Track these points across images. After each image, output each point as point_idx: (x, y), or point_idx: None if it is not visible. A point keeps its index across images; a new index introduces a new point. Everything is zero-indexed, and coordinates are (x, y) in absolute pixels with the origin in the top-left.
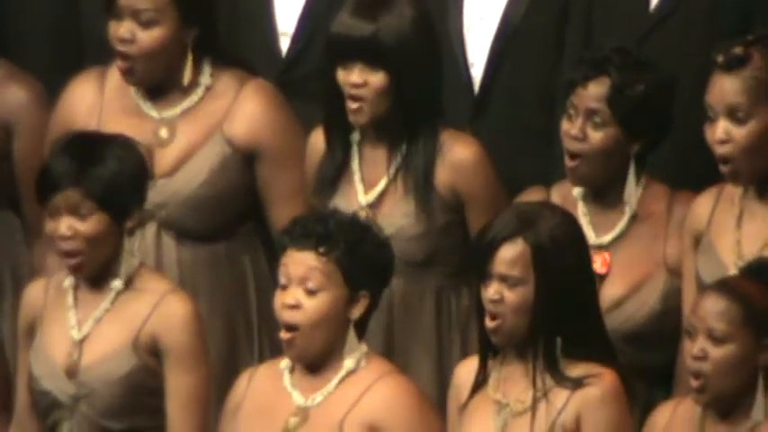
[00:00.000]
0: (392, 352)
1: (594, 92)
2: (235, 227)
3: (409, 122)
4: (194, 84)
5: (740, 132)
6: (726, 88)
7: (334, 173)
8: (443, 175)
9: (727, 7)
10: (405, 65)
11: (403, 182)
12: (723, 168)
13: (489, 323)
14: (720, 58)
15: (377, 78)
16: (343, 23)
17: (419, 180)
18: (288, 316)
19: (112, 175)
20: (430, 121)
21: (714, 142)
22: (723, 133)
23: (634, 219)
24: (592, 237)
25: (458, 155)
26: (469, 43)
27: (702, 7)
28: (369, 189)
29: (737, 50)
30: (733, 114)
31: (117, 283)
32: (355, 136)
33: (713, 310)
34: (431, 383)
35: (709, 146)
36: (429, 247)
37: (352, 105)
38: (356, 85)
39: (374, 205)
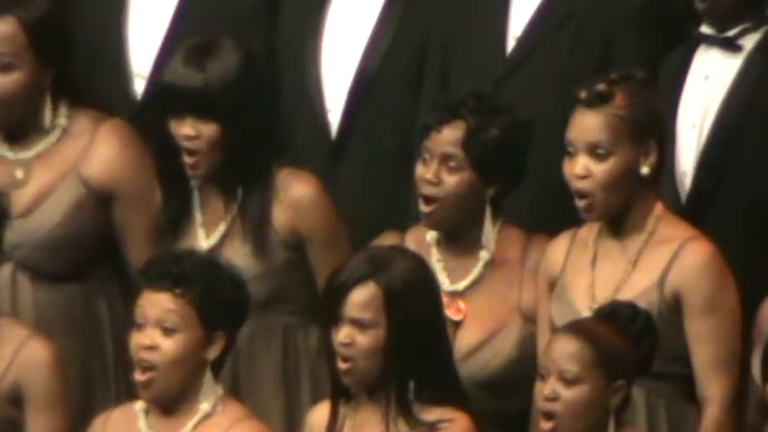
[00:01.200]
0: (239, 394)
1: (449, 136)
2: (91, 268)
3: (243, 168)
4: (51, 126)
5: (599, 168)
6: (587, 124)
7: (171, 220)
8: (282, 214)
9: (584, 52)
10: (235, 114)
11: (241, 224)
12: (579, 203)
13: (341, 365)
14: (583, 95)
15: (209, 130)
16: (173, 72)
17: (255, 221)
18: (144, 355)
19: None
20: (264, 165)
21: (572, 177)
22: (582, 169)
23: (489, 264)
24: (446, 283)
25: (295, 193)
26: (327, 89)
27: (561, 49)
28: (210, 233)
29: (600, 87)
30: (593, 151)
31: None
32: (193, 182)
33: (565, 351)
34: (280, 425)
35: (567, 181)
36: (271, 287)
37: (188, 160)
38: (189, 138)
39: (216, 248)
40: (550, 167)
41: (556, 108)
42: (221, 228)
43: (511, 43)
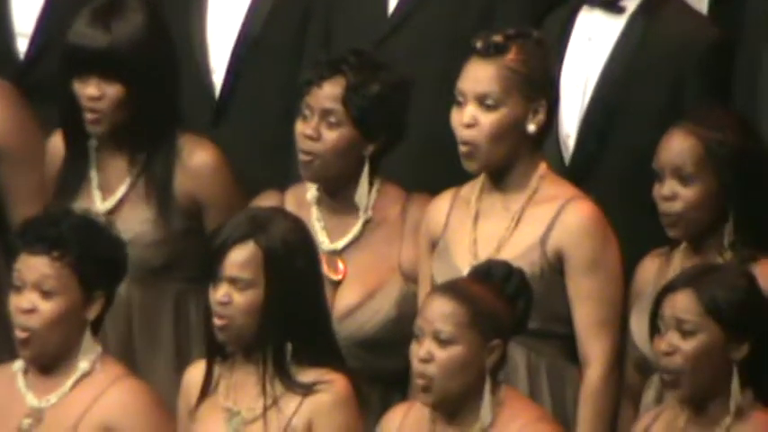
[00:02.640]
0: (132, 358)
1: (329, 92)
2: None
3: (148, 131)
4: None
5: (487, 118)
6: (480, 74)
7: (74, 179)
8: (182, 181)
9: (466, 13)
10: (141, 76)
11: (143, 189)
12: (462, 149)
13: (217, 322)
14: (479, 44)
15: (113, 90)
16: (79, 33)
17: (158, 187)
18: (23, 319)
19: None
20: (168, 129)
21: (459, 126)
22: (470, 118)
23: (368, 223)
24: (326, 242)
25: (196, 160)
26: (211, 50)
27: (442, 12)
28: (107, 196)
29: (497, 39)
30: (482, 101)
31: None
32: (92, 143)
33: (439, 311)
34: (171, 388)
35: (454, 130)
36: (167, 253)
37: (90, 116)
38: (93, 98)
39: (112, 212)
40: (432, 127)
41: (437, 69)
42: (120, 191)
43: (392, 3)
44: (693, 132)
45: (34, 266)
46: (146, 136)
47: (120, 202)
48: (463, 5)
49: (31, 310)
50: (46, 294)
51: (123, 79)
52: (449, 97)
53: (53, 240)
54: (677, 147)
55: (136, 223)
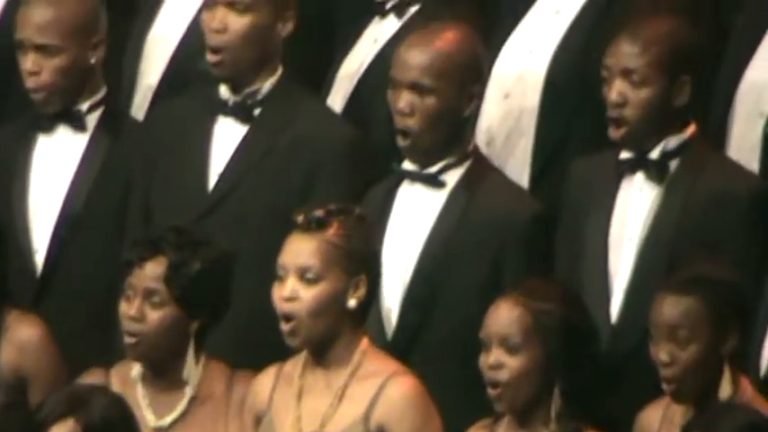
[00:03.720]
0: None
1: (151, 271)
2: None
3: None
4: None
5: (308, 293)
6: (301, 248)
7: None
8: (7, 355)
9: (285, 189)
10: None
11: None
12: (284, 327)
13: None
14: (300, 219)
15: None
16: None
17: None
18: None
19: None
20: None
21: (280, 299)
22: (291, 291)
23: (194, 400)
24: (152, 419)
25: (22, 335)
26: (33, 229)
27: (261, 188)
28: None
29: (318, 213)
30: (303, 275)
31: None
32: None
33: None
34: None
35: (274, 304)
36: None
37: None
38: None
39: None
40: (253, 302)
41: (257, 244)
42: None
43: (213, 179)
44: (521, 303)
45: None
46: None
47: None
48: (282, 182)
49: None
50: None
51: None
52: (269, 272)
53: None
54: (505, 316)
55: None
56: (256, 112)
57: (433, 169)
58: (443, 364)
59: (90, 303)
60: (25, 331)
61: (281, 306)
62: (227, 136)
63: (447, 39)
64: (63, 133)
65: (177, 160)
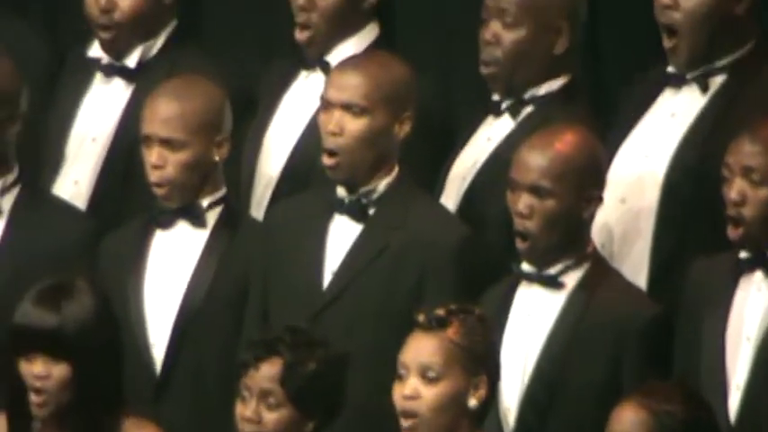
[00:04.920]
0: None
1: (267, 372)
2: None
3: (91, 413)
4: None
5: (429, 392)
6: (422, 346)
7: None
8: None
9: (397, 289)
10: (88, 356)
11: None
12: (405, 423)
13: None
14: (421, 318)
15: (59, 370)
16: (26, 314)
17: None
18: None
19: None
20: (113, 410)
21: (401, 398)
22: (411, 390)
23: None
24: None
25: None
26: (150, 324)
27: (374, 288)
28: None
29: (439, 312)
30: (424, 373)
31: None
32: (36, 425)
33: None
34: None
35: (396, 405)
36: None
37: (36, 399)
38: (39, 377)
39: None
40: (369, 400)
41: (368, 343)
42: None
43: (327, 277)
44: (644, 405)
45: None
46: (89, 419)
47: None
48: (395, 281)
49: None
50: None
51: (70, 359)
52: (381, 371)
53: None
54: (628, 420)
55: None
56: (371, 211)
57: (552, 271)
58: None
59: (208, 401)
60: None
61: (402, 404)
62: (342, 234)
63: (567, 141)
64: (182, 228)
65: (293, 259)
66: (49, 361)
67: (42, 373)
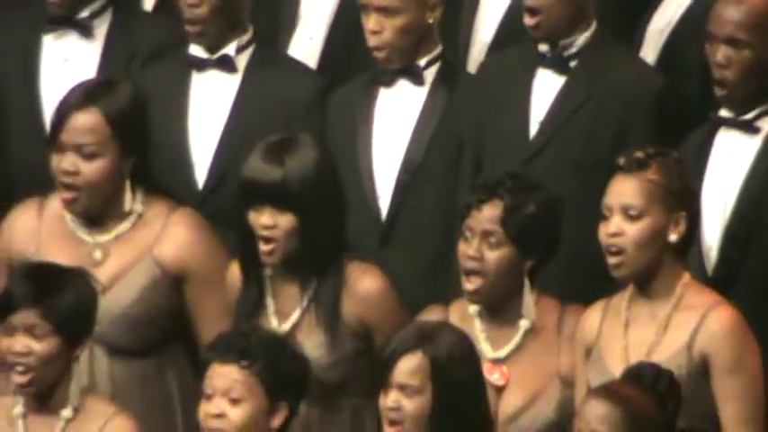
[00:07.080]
0: None
1: (489, 214)
2: (163, 344)
3: (317, 259)
4: (128, 211)
5: (632, 228)
6: (624, 188)
7: (251, 306)
8: (350, 307)
9: (600, 137)
10: (311, 207)
11: (314, 314)
12: (611, 260)
13: (388, 429)
14: (622, 162)
15: (286, 220)
16: (253, 168)
17: (328, 313)
18: (212, 423)
19: (71, 304)
20: (336, 256)
21: (606, 236)
22: (616, 227)
23: (528, 333)
24: (489, 351)
25: (363, 288)
26: (377, 176)
27: (578, 136)
28: (283, 320)
29: (638, 155)
30: (627, 212)
31: (66, 413)
32: (267, 271)
33: (596, 413)
34: None
35: (601, 242)
36: (341, 373)
37: (264, 248)
38: (267, 227)
39: (289, 336)
40: (578, 240)
41: (575, 185)
42: (294, 316)
43: (534, 127)
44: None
45: (224, 374)
46: (315, 264)
47: (295, 327)
48: (598, 128)
49: (220, 415)
50: (234, 401)
51: (295, 210)
52: (588, 213)
53: (242, 351)
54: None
55: (310, 348)
56: (573, 63)
57: (749, 116)
58: (761, 298)
59: (428, 246)
60: (366, 283)
61: (607, 241)
62: (545, 87)
63: None
64: (403, 87)
65: (501, 110)
66: (276, 212)
67: (269, 222)
